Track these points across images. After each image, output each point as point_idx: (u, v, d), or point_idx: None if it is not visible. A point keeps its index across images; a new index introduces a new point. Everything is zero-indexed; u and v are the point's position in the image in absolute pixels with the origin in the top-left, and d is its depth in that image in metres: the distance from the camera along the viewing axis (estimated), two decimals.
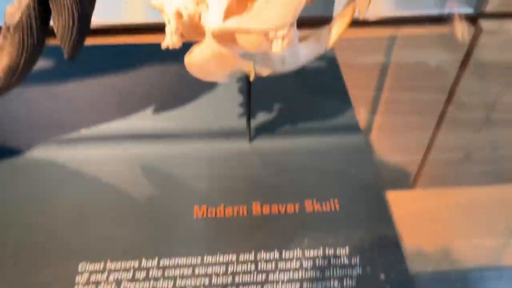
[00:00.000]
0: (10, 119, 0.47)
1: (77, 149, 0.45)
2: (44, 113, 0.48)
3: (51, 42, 0.37)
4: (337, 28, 0.37)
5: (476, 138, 0.83)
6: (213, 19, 0.31)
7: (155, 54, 0.54)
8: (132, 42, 0.73)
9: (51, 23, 0.34)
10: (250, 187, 0.41)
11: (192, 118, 0.48)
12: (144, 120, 0.47)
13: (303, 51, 0.37)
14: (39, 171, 0.43)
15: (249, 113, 0.44)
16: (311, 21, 0.42)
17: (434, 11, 0.81)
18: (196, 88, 0.51)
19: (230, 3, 0.32)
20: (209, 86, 0.51)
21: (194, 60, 0.34)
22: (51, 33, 0.34)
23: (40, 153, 0.44)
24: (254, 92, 0.42)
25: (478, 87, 0.81)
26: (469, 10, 0.79)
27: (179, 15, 0.32)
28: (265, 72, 0.36)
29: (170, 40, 0.33)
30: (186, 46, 0.34)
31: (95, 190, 0.41)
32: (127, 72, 0.53)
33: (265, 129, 0.47)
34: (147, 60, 0.54)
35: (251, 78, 0.36)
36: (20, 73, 0.36)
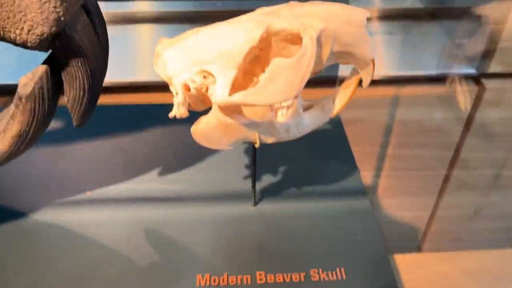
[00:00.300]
0: (15, 180, 0.47)
1: (81, 211, 0.44)
2: (49, 174, 0.48)
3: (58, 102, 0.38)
4: (341, 98, 0.38)
5: (484, 197, 0.82)
6: (220, 93, 0.32)
7: (161, 115, 0.55)
8: (139, 100, 0.75)
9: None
10: (255, 254, 0.41)
11: (197, 181, 0.48)
12: (149, 182, 0.48)
13: (307, 120, 0.37)
14: (42, 234, 0.42)
15: (254, 177, 0.44)
16: (316, 81, 0.43)
17: (436, 72, 0.82)
18: (202, 149, 0.51)
19: (236, 77, 0.33)
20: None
21: (201, 129, 0.34)
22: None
23: (44, 215, 0.44)
24: (258, 152, 0.43)
25: (483, 146, 0.81)
26: (471, 71, 0.81)
27: (186, 87, 0.33)
28: (270, 140, 0.37)
29: (177, 111, 0.34)
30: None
31: (96, 254, 0.41)
32: (133, 133, 0.53)
33: (270, 193, 0.47)
34: (154, 121, 0.55)
35: (257, 146, 0.37)
36: (30, 140, 0.36)
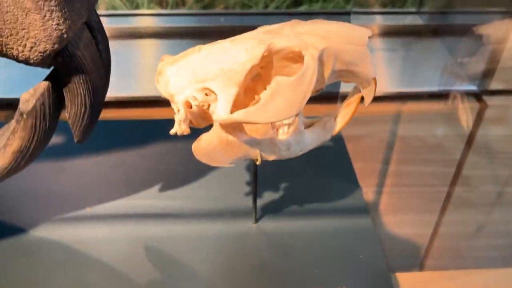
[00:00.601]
0: (15, 195, 0.47)
1: (81, 227, 0.44)
2: (49, 189, 0.48)
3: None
4: (343, 116, 0.38)
5: (486, 214, 0.82)
6: (221, 110, 0.32)
7: (162, 130, 0.55)
8: (140, 115, 0.75)
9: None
10: (255, 272, 0.40)
11: (198, 197, 0.48)
12: (150, 198, 0.47)
13: (309, 138, 0.37)
14: (41, 250, 0.42)
15: (255, 194, 0.44)
16: (318, 97, 0.43)
17: (438, 88, 0.83)
18: (202, 166, 0.51)
19: (238, 94, 0.33)
20: None
21: (202, 147, 0.34)
22: None
23: (44, 230, 0.44)
24: (259, 169, 0.43)
25: (485, 163, 0.81)
26: (473, 88, 0.81)
27: (188, 104, 0.33)
28: (271, 157, 0.36)
29: (179, 128, 0.34)
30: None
31: (96, 271, 0.40)
32: (134, 148, 0.53)
33: (271, 210, 0.47)
34: (155, 137, 0.55)
35: (258, 163, 0.37)
36: (30, 156, 0.36)
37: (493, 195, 0.82)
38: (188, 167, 0.51)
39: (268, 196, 0.48)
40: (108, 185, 0.49)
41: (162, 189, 0.49)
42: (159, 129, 0.55)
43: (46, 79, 0.34)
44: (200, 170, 0.51)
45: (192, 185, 0.49)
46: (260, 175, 0.43)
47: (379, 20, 0.95)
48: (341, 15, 0.94)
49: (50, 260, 0.41)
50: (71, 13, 0.30)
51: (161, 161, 0.52)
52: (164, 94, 0.34)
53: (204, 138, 0.34)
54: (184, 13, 0.91)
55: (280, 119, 0.32)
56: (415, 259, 0.78)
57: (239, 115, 0.31)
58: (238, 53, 0.33)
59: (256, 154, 0.35)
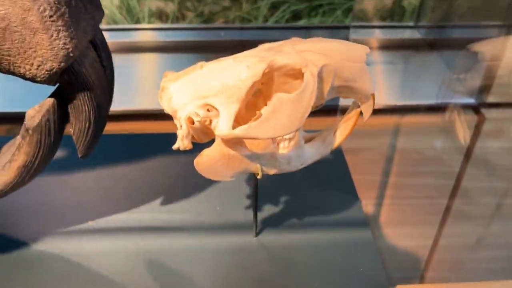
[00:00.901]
0: (17, 208, 0.47)
1: (83, 241, 0.45)
2: (51, 203, 0.48)
3: None
4: (342, 131, 0.38)
5: (486, 226, 0.82)
6: (223, 126, 0.32)
7: (163, 144, 0.56)
8: (141, 128, 0.75)
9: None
10: (255, 286, 0.41)
11: (198, 211, 0.48)
12: (151, 212, 0.48)
13: (309, 152, 0.38)
14: (43, 264, 0.42)
15: (255, 208, 0.44)
16: (317, 110, 0.44)
17: (436, 101, 0.84)
18: (203, 180, 0.51)
19: (239, 110, 0.33)
20: None
21: (204, 162, 0.35)
22: None
23: (46, 244, 0.44)
24: (259, 183, 0.43)
25: (484, 175, 0.81)
26: (471, 101, 0.82)
27: (190, 120, 0.34)
28: (271, 171, 0.37)
29: (181, 143, 0.34)
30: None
31: (97, 284, 0.41)
32: (136, 162, 0.54)
33: (271, 223, 0.47)
34: (156, 151, 0.55)
35: (259, 177, 0.37)
36: (35, 171, 0.37)
37: (492, 207, 0.82)
38: (188, 181, 0.51)
39: (268, 210, 0.48)
40: (109, 198, 0.49)
41: (163, 203, 0.49)
42: (160, 143, 0.56)
43: (51, 96, 0.35)
44: (201, 184, 0.51)
45: (193, 199, 0.50)
46: (260, 189, 0.44)
47: (378, 34, 0.96)
48: (340, 29, 0.95)
49: (52, 273, 0.41)
50: (77, 32, 0.31)
51: (161, 175, 0.52)
52: (167, 110, 0.35)
53: (206, 153, 0.34)
54: (184, 27, 0.92)
55: (281, 135, 0.33)
56: (415, 271, 0.78)
57: (240, 131, 0.32)
58: (240, 70, 0.33)
59: (257, 168, 0.36)
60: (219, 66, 0.34)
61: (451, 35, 0.94)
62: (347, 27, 0.95)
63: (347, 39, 0.81)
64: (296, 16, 0.96)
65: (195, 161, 0.35)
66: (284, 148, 0.36)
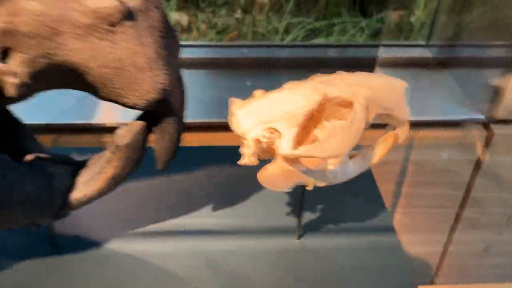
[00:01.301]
0: (89, 213, 0.54)
1: (148, 242, 0.51)
2: (120, 207, 0.54)
3: None
4: (380, 150, 0.45)
5: (494, 234, 0.88)
6: (285, 147, 0.39)
7: (213, 157, 0.63)
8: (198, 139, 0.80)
9: None
10: (298, 284, 0.47)
11: (247, 216, 0.55)
12: (207, 217, 0.54)
13: (352, 167, 0.45)
14: (113, 262, 0.49)
15: (299, 214, 0.51)
16: None
17: (447, 117, 0.88)
18: (250, 188, 0.58)
19: (298, 132, 0.40)
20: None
21: (266, 175, 0.41)
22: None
23: (114, 245, 0.51)
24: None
25: (493, 186, 0.87)
26: (480, 117, 0.87)
27: (258, 141, 0.40)
28: (321, 184, 0.44)
29: (248, 159, 0.41)
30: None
31: (161, 279, 0.47)
32: (192, 172, 0.60)
33: (312, 228, 0.53)
34: (209, 162, 0.62)
35: (310, 188, 0.44)
36: (120, 181, 0.44)
37: (500, 216, 0.88)
38: (237, 189, 0.58)
39: (308, 216, 0.55)
40: (168, 205, 0.56)
41: (214, 209, 0.56)
42: (210, 156, 0.62)
43: (140, 119, 0.42)
44: (248, 191, 0.58)
45: (242, 205, 0.56)
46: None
47: (389, 52, 1.01)
48: (354, 47, 1.01)
49: (121, 270, 0.48)
50: (170, 69, 0.38)
51: (213, 184, 0.59)
52: (237, 131, 0.42)
53: (269, 168, 0.41)
54: (205, 44, 0.97)
55: (335, 155, 0.40)
56: (427, 276, 0.84)
57: (301, 151, 0.39)
58: (298, 99, 0.40)
59: (310, 181, 0.42)
60: (280, 96, 0.41)
61: (462, 54, 0.98)
62: (362, 46, 1.00)
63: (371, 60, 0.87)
64: (312, 34, 1.02)
65: (258, 174, 0.42)
66: (331, 165, 0.43)
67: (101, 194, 0.44)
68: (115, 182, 0.43)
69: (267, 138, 0.40)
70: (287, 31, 1.03)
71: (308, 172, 0.42)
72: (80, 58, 0.34)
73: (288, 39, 1.02)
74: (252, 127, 0.41)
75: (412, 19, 1.05)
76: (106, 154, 0.43)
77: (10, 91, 0.34)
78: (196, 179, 0.59)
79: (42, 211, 0.43)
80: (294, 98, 0.41)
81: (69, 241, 0.50)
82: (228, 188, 0.58)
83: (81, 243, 0.50)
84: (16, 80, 0.34)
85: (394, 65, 1.00)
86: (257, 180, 0.42)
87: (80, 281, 0.47)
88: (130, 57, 0.35)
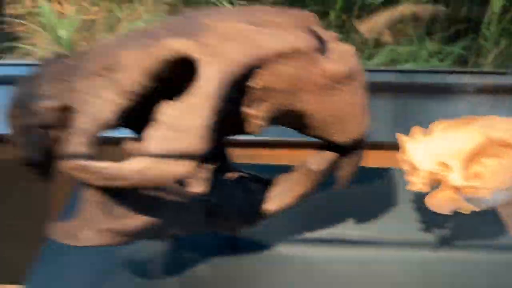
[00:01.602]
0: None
1: (313, 249, 0.60)
2: (289, 216, 0.61)
3: None
4: None
5: None
6: (457, 179, 0.48)
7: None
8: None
9: None
10: None
11: (387, 229, 0.63)
12: (351, 229, 0.64)
13: (500, 197, 0.53)
14: (282, 264, 0.58)
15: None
16: None
17: None
18: (386, 205, 0.67)
19: (464, 167, 0.49)
20: (398, 201, 0.67)
21: (435, 200, 0.51)
22: None
23: (285, 248, 0.60)
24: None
25: None
26: None
27: (432, 174, 0.50)
28: (475, 209, 0.52)
29: (420, 186, 0.50)
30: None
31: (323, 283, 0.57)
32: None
33: (443, 241, 0.62)
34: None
35: (467, 213, 0.52)
36: (307, 198, 0.54)
37: None
38: (375, 206, 0.67)
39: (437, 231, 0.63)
40: (325, 218, 0.65)
41: (357, 222, 0.64)
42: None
43: (332, 150, 0.51)
44: (385, 208, 0.66)
45: (382, 217, 0.65)
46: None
47: None
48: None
49: (287, 273, 0.58)
50: (369, 112, 0.48)
51: (360, 200, 0.67)
52: (411, 162, 0.51)
53: (439, 195, 0.50)
54: None
55: (498, 187, 0.49)
56: None
57: (471, 184, 0.48)
58: (465, 140, 0.49)
59: (470, 207, 0.51)
60: (446, 136, 0.51)
61: None
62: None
63: None
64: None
65: (426, 199, 0.51)
66: (487, 194, 0.52)
67: (289, 207, 0.55)
68: (302, 199, 0.54)
69: (440, 171, 0.49)
70: None
71: (468, 199, 0.51)
72: (312, 108, 0.44)
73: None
74: (425, 161, 0.50)
75: None
76: (295, 175, 0.53)
77: (254, 130, 0.45)
78: (342, 196, 0.68)
79: (244, 220, 0.53)
80: (463, 138, 0.50)
81: (248, 244, 0.61)
82: (369, 206, 0.67)
83: (258, 246, 0.61)
84: (262, 123, 0.44)
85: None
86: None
87: (255, 279, 0.57)
88: (350, 107, 0.45)
